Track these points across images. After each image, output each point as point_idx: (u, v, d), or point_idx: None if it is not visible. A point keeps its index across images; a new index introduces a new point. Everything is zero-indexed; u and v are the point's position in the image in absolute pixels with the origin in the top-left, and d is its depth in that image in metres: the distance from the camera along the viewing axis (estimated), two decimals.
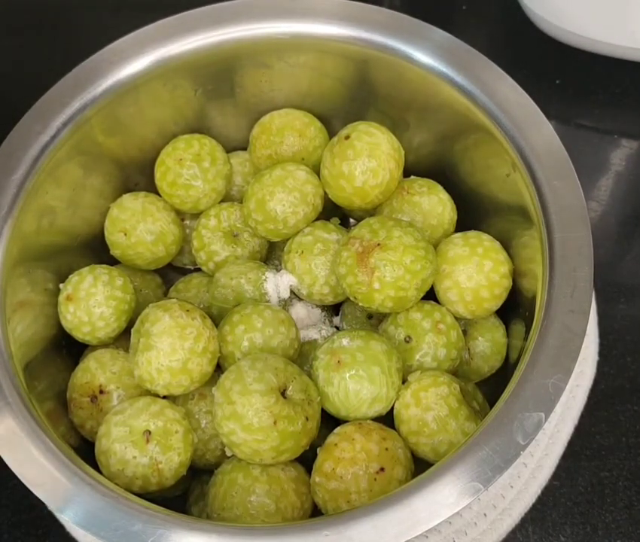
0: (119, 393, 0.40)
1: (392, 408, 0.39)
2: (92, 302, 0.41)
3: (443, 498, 0.31)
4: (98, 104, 0.44)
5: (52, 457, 0.34)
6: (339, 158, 0.43)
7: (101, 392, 0.40)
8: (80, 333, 0.42)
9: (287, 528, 0.32)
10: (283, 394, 0.37)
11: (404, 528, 0.31)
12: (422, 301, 0.41)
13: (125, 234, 0.44)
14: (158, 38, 0.46)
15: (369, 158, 0.42)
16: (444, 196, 0.45)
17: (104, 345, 0.42)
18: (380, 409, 0.38)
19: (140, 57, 0.45)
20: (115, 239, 0.45)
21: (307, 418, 0.36)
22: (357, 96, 0.48)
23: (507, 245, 0.43)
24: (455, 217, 0.45)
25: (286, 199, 0.43)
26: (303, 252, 0.43)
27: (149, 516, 0.32)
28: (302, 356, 0.42)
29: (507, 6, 0.61)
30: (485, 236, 0.42)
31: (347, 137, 0.43)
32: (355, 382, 0.37)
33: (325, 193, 0.45)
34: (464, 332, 0.42)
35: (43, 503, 0.33)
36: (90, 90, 0.44)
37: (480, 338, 0.42)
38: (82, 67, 0.45)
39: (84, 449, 0.38)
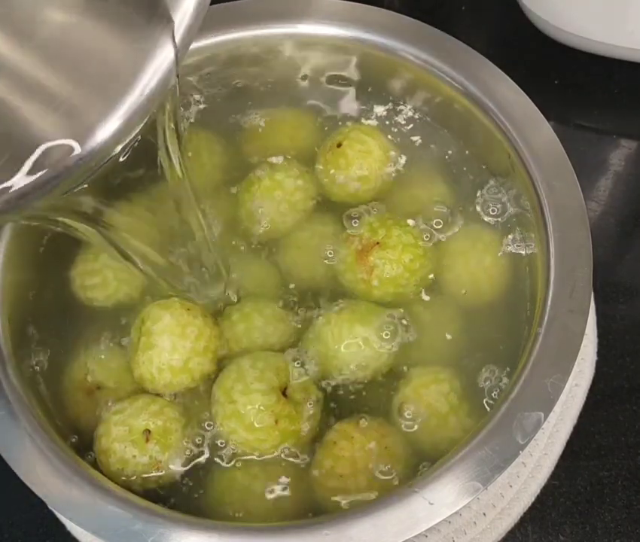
0: (116, 389, 0.39)
1: (391, 404, 0.39)
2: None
3: (442, 497, 0.32)
4: None
5: (52, 456, 0.34)
6: (331, 165, 0.44)
7: (97, 388, 0.39)
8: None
9: (287, 527, 0.32)
10: (284, 392, 0.37)
11: (404, 527, 0.31)
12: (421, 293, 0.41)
13: None
14: None
15: (361, 167, 0.43)
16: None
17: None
18: (368, 357, 0.38)
19: None
20: None
21: (307, 417, 0.37)
22: (356, 97, 0.48)
23: (505, 247, 0.43)
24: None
25: (275, 209, 0.43)
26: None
27: (149, 515, 0.32)
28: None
29: (506, 7, 0.60)
30: (485, 231, 0.42)
31: (339, 144, 0.43)
32: (350, 320, 0.38)
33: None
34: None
35: (43, 503, 0.33)
36: None
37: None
38: None
39: (84, 448, 0.38)
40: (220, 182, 0.47)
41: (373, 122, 0.47)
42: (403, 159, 0.46)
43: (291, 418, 0.36)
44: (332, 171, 0.44)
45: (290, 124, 0.47)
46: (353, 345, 0.38)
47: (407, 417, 0.38)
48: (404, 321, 0.40)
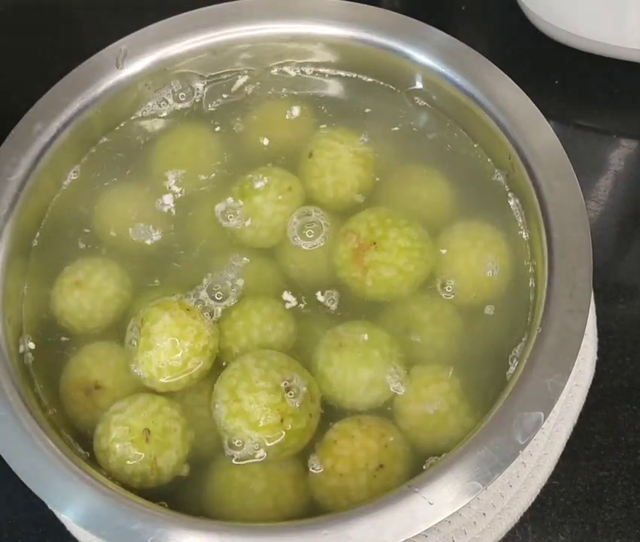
0: (115, 388, 0.39)
1: (392, 403, 0.39)
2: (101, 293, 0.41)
3: (442, 497, 0.32)
4: (98, 104, 0.44)
5: (52, 456, 0.34)
6: (307, 176, 0.44)
7: (96, 387, 0.39)
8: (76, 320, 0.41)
9: (286, 527, 0.32)
10: (287, 391, 0.37)
11: (403, 527, 0.31)
12: (420, 291, 0.41)
13: None
14: (158, 38, 0.46)
15: (333, 173, 0.43)
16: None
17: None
18: (377, 395, 0.38)
19: (140, 57, 0.45)
20: None
21: (311, 415, 0.37)
22: (355, 96, 0.48)
23: (506, 245, 0.43)
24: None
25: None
26: None
27: (149, 514, 0.32)
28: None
29: (506, 7, 0.61)
30: (486, 228, 0.42)
31: (310, 155, 0.44)
32: (354, 362, 0.37)
33: None
34: None
35: (43, 503, 0.33)
36: (90, 90, 0.44)
37: None
38: (82, 67, 0.45)
39: (83, 448, 0.38)
40: (217, 178, 0.47)
41: (370, 121, 0.47)
42: (384, 159, 0.45)
43: (295, 416, 0.36)
44: (309, 180, 0.44)
45: (287, 122, 0.47)
46: (360, 388, 0.38)
47: (407, 415, 0.38)
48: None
